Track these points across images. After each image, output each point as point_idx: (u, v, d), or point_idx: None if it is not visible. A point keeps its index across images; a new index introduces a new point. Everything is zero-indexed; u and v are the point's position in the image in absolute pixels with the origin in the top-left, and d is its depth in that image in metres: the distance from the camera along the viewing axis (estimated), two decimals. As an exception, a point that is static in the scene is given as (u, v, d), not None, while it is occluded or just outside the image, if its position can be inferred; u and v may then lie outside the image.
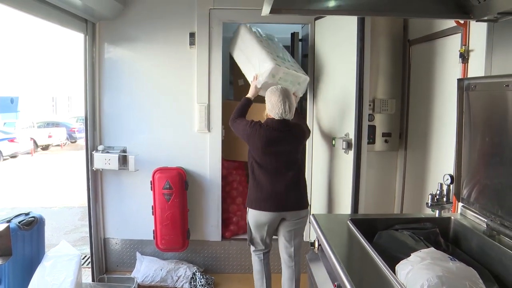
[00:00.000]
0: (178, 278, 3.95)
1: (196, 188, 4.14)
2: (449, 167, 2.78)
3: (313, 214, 2.36)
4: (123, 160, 3.98)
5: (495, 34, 2.29)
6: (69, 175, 12.27)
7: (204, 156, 4.11)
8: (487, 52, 2.36)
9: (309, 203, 3.35)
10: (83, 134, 4.15)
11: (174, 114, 4.08)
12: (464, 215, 2.29)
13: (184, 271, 4.00)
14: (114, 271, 4.26)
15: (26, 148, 17.13)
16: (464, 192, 2.24)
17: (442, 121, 3.15)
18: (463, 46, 2.71)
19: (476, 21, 2.27)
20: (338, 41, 3.55)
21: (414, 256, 1.72)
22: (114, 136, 4.10)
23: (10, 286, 3.10)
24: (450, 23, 2.91)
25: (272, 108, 3.12)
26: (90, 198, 4.05)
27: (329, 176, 3.82)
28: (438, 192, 2.29)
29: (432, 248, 1.84)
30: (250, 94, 3.50)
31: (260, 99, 3.51)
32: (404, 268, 1.66)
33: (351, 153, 3.28)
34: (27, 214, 3.40)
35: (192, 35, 3.97)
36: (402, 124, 3.81)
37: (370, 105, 3.62)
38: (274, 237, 3.40)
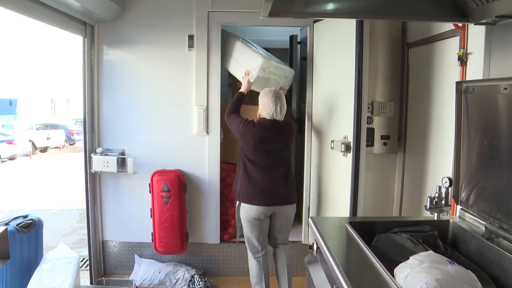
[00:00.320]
0: (177, 281, 3.94)
1: (195, 191, 4.14)
2: (448, 170, 2.78)
3: (311, 217, 2.36)
4: (122, 163, 3.97)
5: (493, 37, 2.30)
6: (68, 178, 12.25)
7: (202, 158, 4.11)
8: (485, 55, 2.37)
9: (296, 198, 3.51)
10: (82, 136, 4.15)
11: (173, 117, 4.08)
12: (463, 218, 2.29)
13: (183, 273, 3.99)
14: (113, 273, 4.24)
15: (24, 150, 17.09)
16: (463, 195, 2.25)
17: (440, 124, 3.15)
18: (462, 49, 2.71)
19: (474, 24, 2.28)
20: (336, 44, 3.56)
21: (412, 259, 1.72)
22: (112, 138, 4.10)
23: (8, 289, 3.09)
24: (449, 26, 2.91)
25: (264, 108, 3.30)
26: (88, 201, 4.05)
27: (327, 179, 3.82)
28: (436, 195, 2.30)
29: (430, 251, 1.84)
30: (243, 89, 3.66)
31: (254, 101, 3.62)
32: (403, 271, 1.66)
33: (350, 155, 3.28)
34: (25, 216, 3.39)
35: (191, 37, 3.97)
36: (400, 127, 3.81)
37: (368, 107, 3.62)
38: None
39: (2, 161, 15.83)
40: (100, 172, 4.04)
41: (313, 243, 2.27)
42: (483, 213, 2.07)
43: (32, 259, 3.35)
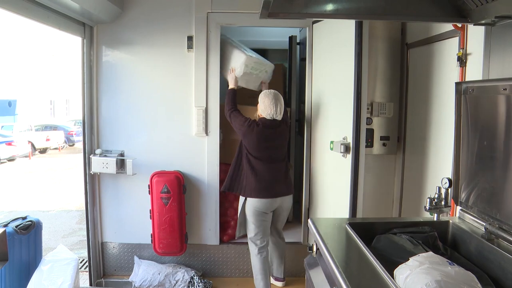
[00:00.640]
0: (176, 282, 3.94)
1: (194, 192, 4.14)
2: (447, 171, 2.78)
3: (311, 218, 2.36)
4: (121, 164, 3.97)
5: (493, 38, 2.29)
6: (67, 179, 12.25)
7: (202, 159, 4.11)
8: (484, 56, 2.36)
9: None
10: (81, 138, 4.15)
11: (172, 118, 4.08)
12: (463, 218, 2.28)
13: (182, 275, 3.98)
14: (112, 275, 4.24)
15: (24, 151, 17.07)
16: (462, 196, 2.24)
17: (440, 125, 3.15)
18: (461, 50, 2.71)
19: (473, 25, 2.28)
20: (336, 44, 3.56)
21: (412, 261, 1.71)
22: (112, 139, 4.09)
23: (7, 291, 3.09)
24: (448, 26, 2.91)
25: (265, 109, 3.58)
26: (87, 202, 4.05)
27: (327, 180, 3.82)
28: (436, 195, 2.29)
29: (430, 252, 1.84)
30: (232, 85, 3.90)
31: (251, 102, 3.97)
32: (403, 272, 1.66)
33: (349, 156, 3.28)
34: (24, 218, 3.38)
35: (190, 38, 3.97)
36: (400, 128, 3.81)
37: (368, 108, 3.61)
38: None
39: (2, 162, 15.82)
40: (100, 173, 4.03)
41: (312, 244, 2.26)
42: (483, 214, 2.06)
43: (31, 261, 3.35)
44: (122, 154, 4.06)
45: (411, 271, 1.63)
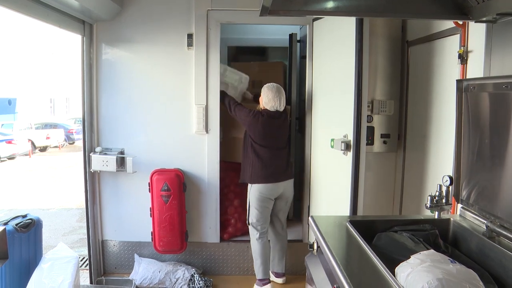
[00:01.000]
0: (177, 280, 3.94)
1: (194, 190, 4.13)
2: (448, 168, 2.77)
3: (311, 216, 2.35)
4: (121, 162, 3.96)
5: (494, 35, 2.29)
6: (67, 177, 12.25)
7: (202, 157, 4.10)
8: (486, 53, 2.35)
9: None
10: (81, 136, 4.14)
11: (172, 116, 4.07)
12: (464, 216, 2.28)
13: (183, 273, 3.98)
14: (112, 273, 4.24)
15: (24, 149, 17.08)
16: (463, 194, 2.24)
17: (441, 122, 3.14)
18: (462, 47, 2.70)
19: (475, 22, 2.28)
20: (336, 42, 3.55)
21: (413, 258, 1.71)
22: (111, 137, 4.09)
23: (7, 289, 3.08)
24: (449, 24, 2.91)
25: (269, 102, 3.75)
26: (88, 200, 4.04)
27: (327, 178, 3.82)
28: (437, 193, 2.29)
29: (432, 250, 1.83)
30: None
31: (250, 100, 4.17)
32: (404, 270, 1.65)
33: (350, 154, 3.27)
34: (24, 216, 3.38)
35: (190, 36, 3.96)
36: (400, 125, 3.81)
37: (368, 106, 3.61)
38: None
39: (2, 161, 15.84)
40: (100, 171, 4.03)
41: (313, 242, 2.26)
42: (484, 212, 2.06)
43: (31, 259, 3.34)
44: (122, 152, 4.05)
45: (413, 269, 1.63)
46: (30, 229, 3.31)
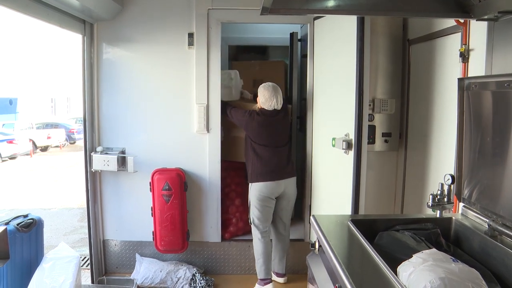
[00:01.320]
0: (178, 280, 3.94)
1: (195, 189, 4.13)
2: (450, 167, 2.77)
3: (313, 215, 2.35)
4: (122, 161, 3.96)
5: (496, 33, 2.28)
6: (68, 176, 12.25)
7: (203, 157, 4.10)
8: (487, 51, 2.35)
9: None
10: (82, 135, 4.14)
11: (173, 115, 4.07)
12: (465, 215, 2.28)
13: (184, 272, 3.98)
14: (114, 272, 4.24)
15: (25, 149, 17.09)
16: (465, 192, 2.23)
17: (442, 121, 3.14)
18: (463, 46, 2.69)
19: (476, 20, 2.27)
20: (337, 40, 3.54)
21: (416, 258, 1.71)
22: (112, 137, 4.09)
23: (9, 289, 3.08)
24: (450, 22, 2.90)
25: (266, 102, 3.73)
26: (89, 200, 4.04)
27: (329, 177, 3.81)
28: (439, 192, 2.28)
29: (434, 249, 1.83)
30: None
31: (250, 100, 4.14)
32: (406, 269, 1.65)
33: (351, 153, 3.27)
34: (25, 216, 3.38)
35: (190, 35, 3.95)
36: (402, 124, 3.80)
37: (370, 105, 3.61)
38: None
39: (3, 160, 15.86)
40: (101, 171, 4.03)
41: (315, 241, 2.25)
42: (486, 211, 2.05)
43: (32, 259, 3.34)
44: (123, 152, 4.05)
45: (415, 268, 1.62)
46: (31, 229, 3.31)
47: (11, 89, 23.30)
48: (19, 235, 3.18)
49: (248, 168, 3.84)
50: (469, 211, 2.24)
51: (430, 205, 2.28)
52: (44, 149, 19.06)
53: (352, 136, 3.26)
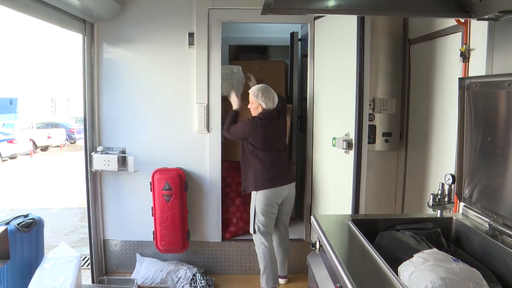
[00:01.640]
0: (178, 280, 3.94)
1: (196, 189, 4.13)
2: (450, 167, 2.77)
3: (313, 215, 2.35)
4: (123, 161, 3.96)
5: (496, 33, 2.28)
6: (69, 176, 12.26)
7: (203, 157, 4.10)
8: (488, 51, 2.34)
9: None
10: (82, 135, 4.14)
11: (174, 115, 4.07)
12: (466, 215, 2.27)
13: (184, 272, 3.98)
14: (114, 272, 4.24)
15: (25, 149, 17.11)
16: (466, 192, 2.23)
17: (442, 121, 3.13)
18: (464, 45, 2.69)
19: (477, 20, 2.26)
20: (337, 40, 3.54)
21: (416, 257, 1.70)
22: (113, 137, 4.09)
23: (9, 289, 3.08)
24: (451, 22, 2.89)
25: (266, 99, 3.68)
26: (89, 199, 4.04)
27: (329, 176, 3.81)
28: (439, 192, 2.28)
29: (434, 249, 1.82)
30: (236, 106, 3.96)
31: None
32: (407, 269, 1.65)
33: (352, 153, 3.26)
34: (26, 216, 3.38)
35: (191, 35, 3.95)
36: (402, 124, 3.80)
37: (370, 104, 3.61)
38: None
39: (3, 160, 15.86)
40: (101, 170, 4.03)
41: (315, 241, 2.25)
42: (487, 210, 2.05)
43: (33, 259, 3.34)
44: (123, 152, 4.05)
45: (416, 268, 1.62)
46: (31, 228, 3.31)
47: (11, 89, 23.30)
48: (20, 235, 3.18)
49: (249, 177, 3.73)
50: (469, 210, 2.24)
51: (431, 204, 2.28)
52: (45, 149, 19.07)
53: (352, 136, 3.25)
